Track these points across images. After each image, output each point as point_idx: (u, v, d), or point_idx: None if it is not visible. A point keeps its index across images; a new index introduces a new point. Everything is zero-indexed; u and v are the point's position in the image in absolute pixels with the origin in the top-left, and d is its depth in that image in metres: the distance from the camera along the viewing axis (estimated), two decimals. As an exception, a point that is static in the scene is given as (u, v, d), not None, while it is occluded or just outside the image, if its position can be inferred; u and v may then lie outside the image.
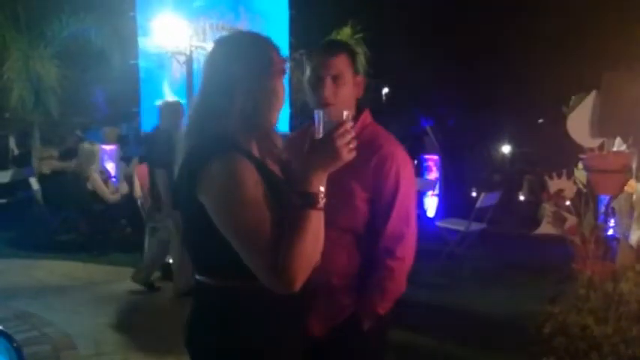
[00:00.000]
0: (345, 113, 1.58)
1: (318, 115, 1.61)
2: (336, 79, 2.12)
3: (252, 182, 1.54)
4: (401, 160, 2.17)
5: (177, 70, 8.00)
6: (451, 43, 12.14)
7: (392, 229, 2.13)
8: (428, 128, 10.22)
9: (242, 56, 1.66)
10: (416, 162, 10.47)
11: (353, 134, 1.57)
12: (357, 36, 9.42)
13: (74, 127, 11.06)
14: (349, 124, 1.57)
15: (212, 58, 1.71)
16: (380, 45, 11.26)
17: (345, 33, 9.42)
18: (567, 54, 9.95)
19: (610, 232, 4.71)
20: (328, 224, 2.03)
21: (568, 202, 4.51)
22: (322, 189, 1.57)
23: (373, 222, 2.16)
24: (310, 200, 1.54)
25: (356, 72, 2.19)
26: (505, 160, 13.06)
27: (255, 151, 1.70)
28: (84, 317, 5.14)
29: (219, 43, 1.74)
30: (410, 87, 13.15)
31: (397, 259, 2.13)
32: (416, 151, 10.52)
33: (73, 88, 9.82)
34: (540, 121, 14.59)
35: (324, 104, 2.10)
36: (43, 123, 10.02)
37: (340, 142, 1.55)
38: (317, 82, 2.13)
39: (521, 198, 9.83)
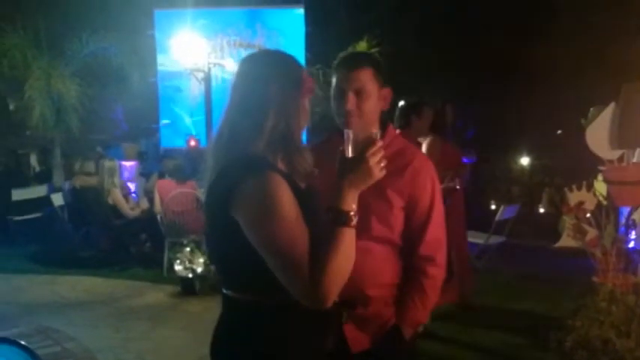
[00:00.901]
0: (374, 132, 1.62)
1: (348, 134, 1.63)
2: (359, 92, 2.11)
3: (288, 199, 1.56)
4: (433, 171, 2.21)
5: (196, 87, 8.14)
6: (470, 56, 12.12)
7: (431, 237, 2.15)
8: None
9: (275, 75, 1.67)
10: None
11: (383, 153, 1.60)
12: (373, 50, 9.44)
13: (94, 144, 11.21)
14: (380, 143, 1.60)
15: (242, 76, 1.73)
16: (397, 59, 11.30)
17: (361, 47, 9.47)
18: (587, 66, 9.89)
19: (631, 244, 4.66)
20: (366, 235, 2.07)
21: (588, 215, 4.48)
22: (354, 207, 1.59)
23: (409, 231, 2.17)
24: (344, 218, 1.57)
25: (381, 84, 2.16)
26: (524, 172, 12.96)
27: (283, 168, 1.70)
28: (105, 332, 5.17)
29: (249, 61, 1.75)
30: (428, 100, 13.09)
31: (438, 265, 2.16)
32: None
33: (93, 105, 9.98)
34: (559, 132, 14.48)
35: (346, 117, 2.11)
36: (64, 140, 10.18)
37: (372, 161, 1.59)
38: (340, 95, 2.14)
39: (541, 210, 9.74)
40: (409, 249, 2.17)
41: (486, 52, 11.76)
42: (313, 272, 1.51)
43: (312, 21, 10.36)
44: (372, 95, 2.12)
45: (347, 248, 1.57)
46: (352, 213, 1.58)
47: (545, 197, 10.26)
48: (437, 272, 2.16)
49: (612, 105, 4.12)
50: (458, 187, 5.02)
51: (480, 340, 4.94)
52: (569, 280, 4.99)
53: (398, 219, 2.15)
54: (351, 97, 2.11)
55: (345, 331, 2.13)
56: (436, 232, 2.17)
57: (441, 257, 2.18)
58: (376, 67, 2.15)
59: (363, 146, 1.59)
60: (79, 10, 9.88)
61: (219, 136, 1.71)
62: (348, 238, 1.57)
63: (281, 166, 1.70)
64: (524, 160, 13.49)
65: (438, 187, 2.21)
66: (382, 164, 1.60)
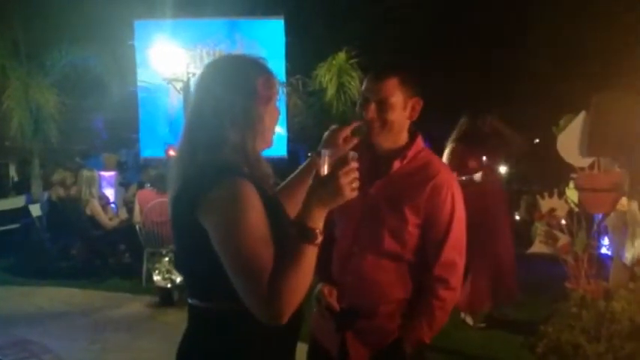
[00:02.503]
0: (351, 154, 1.58)
1: (324, 153, 1.63)
2: (381, 103, 2.11)
3: (256, 208, 1.55)
4: (456, 188, 2.16)
5: (175, 97, 8.13)
6: (446, 66, 12.24)
7: (446, 258, 2.12)
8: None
9: (226, 85, 1.65)
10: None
11: (357, 174, 1.57)
12: (351, 61, 9.53)
13: (74, 154, 11.14)
14: (354, 164, 1.57)
15: (198, 86, 1.72)
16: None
17: (340, 58, 9.54)
18: (561, 76, 10.06)
19: (603, 250, 4.74)
20: (377, 250, 2.11)
21: (563, 222, 4.55)
22: (321, 225, 1.56)
23: (425, 249, 2.15)
24: (309, 235, 1.53)
25: (409, 95, 2.15)
26: (502, 180, 13.07)
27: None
28: (82, 344, 5.13)
29: (206, 70, 1.74)
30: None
31: (451, 289, 2.13)
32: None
33: (72, 115, 9.93)
34: (536, 141, 14.64)
35: (369, 127, 2.12)
36: (43, 150, 10.11)
37: (344, 181, 1.54)
38: (363, 104, 2.16)
39: (517, 217, 9.82)
40: (424, 267, 2.14)
41: (463, 62, 11.90)
42: (271, 287, 1.49)
43: (292, 31, 10.40)
44: (396, 106, 2.12)
45: (307, 266, 1.54)
46: (318, 231, 1.54)
47: (523, 204, 10.37)
48: (448, 295, 2.12)
49: (583, 113, 4.20)
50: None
51: (452, 343, 4.99)
52: (544, 286, 5.06)
53: (412, 236, 2.12)
54: (373, 107, 2.12)
55: (347, 340, 2.16)
56: (452, 253, 2.13)
57: (455, 280, 2.14)
58: (403, 78, 2.14)
59: (336, 165, 1.57)
60: (59, 20, 9.83)
61: (182, 146, 1.70)
62: (310, 255, 1.54)
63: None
64: (502, 169, 13.60)
65: (460, 207, 2.16)
66: (355, 184, 1.57)
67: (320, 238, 1.54)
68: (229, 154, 1.63)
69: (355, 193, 1.58)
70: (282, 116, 10.01)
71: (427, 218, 2.11)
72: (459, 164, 5.18)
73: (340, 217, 2.24)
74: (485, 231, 5.26)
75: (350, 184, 1.55)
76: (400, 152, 2.18)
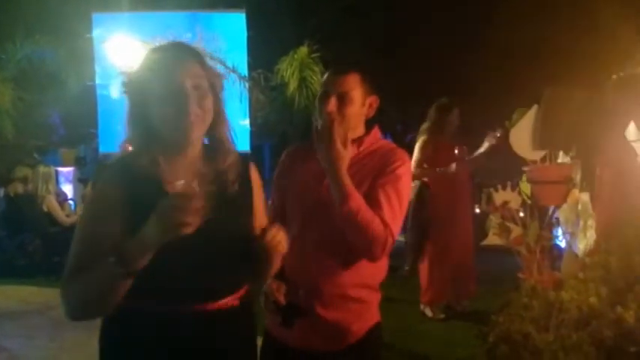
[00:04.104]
0: (193, 185, 1.48)
1: (174, 187, 1.52)
2: (342, 96, 2.16)
3: (96, 208, 1.65)
4: (408, 166, 2.24)
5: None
6: (408, 60, 12.34)
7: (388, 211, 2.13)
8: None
9: (142, 73, 1.69)
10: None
11: (188, 211, 1.43)
12: (313, 55, 9.51)
13: (31, 149, 10.91)
14: (198, 203, 1.44)
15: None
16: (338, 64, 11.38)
17: (302, 52, 9.51)
18: (520, 69, 10.23)
19: (560, 242, 4.84)
20: (332, 241, 2.13)
21: (522, 214, 4.64)
22: (142, 264, 1.49)
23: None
24: (123, 271, 1.49)
25: (368, 92, 2.22)
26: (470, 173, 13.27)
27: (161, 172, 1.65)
28: (40, 342, 5.07)
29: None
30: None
31: (388, 228, 2.10)
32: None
33: (28, 110, 9.71)
34: (498, 135, 14.90)
35: (327, 119, 2.13)
36: (-1, 146, 9.88)
37: (176, 218, 1.43)
38: (323, 97, 2.19)
39: (477, 210, 9.99)
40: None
41: (427, 54, 12.00)
42: (64, 285, 1.58)
43: (254, 25, 10.34)
44: (356, 100, 2.18)
45: (105, 286, 1.52)
46: (132, 271, 1.49)
47: (484, 198, 10.55)
48: (382, 227, 2.10)
49: (534, 107, 4.28)
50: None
51: (407, 335, 5.07)
52: (501, 278, 5.14)
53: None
54: (333, 100, 2.16)
55: (305, 334, 2.18)
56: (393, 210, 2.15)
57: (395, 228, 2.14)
58: (363, 73, 2.22)
59: (171, 200, 1.45)
60: (14, 13, 9.62)
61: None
62: (116, 285, 1.51)
63: (161, 168, 1.65)
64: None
65: (408, 181, 2.23)
66: (190, 220, 1.43)
67: (130, 281, 1.50)
68: (140, 142, 1.69)
69: (190, 230, 1.44)
70: (245, 111, 9.99)
71: (375, 186, 2.15)
72: (431, 156, 5.29)
73: (296, 210, 2.28)
74: (450, 223, 5.35)
75: (181, 223, 1.43)
76: (356, 140, 2.22)
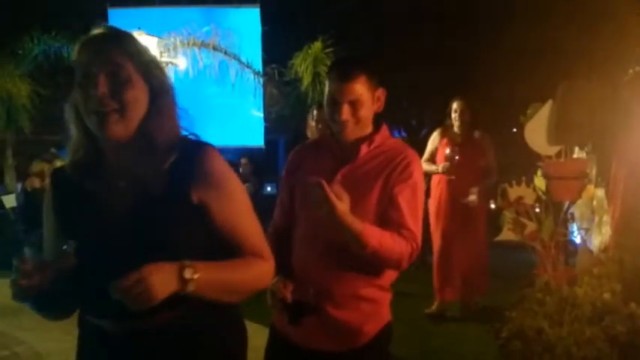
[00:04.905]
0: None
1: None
2: (353, 103, 2.12)
3: (44, 213, 1.62)
4: (418, 165, 2.21)
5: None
6: (427, 54, 12.29)
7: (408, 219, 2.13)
8: (400, 139, 10.34)
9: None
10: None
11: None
12: (327, 50, 9.51)
13: (49, 144, 11.02)
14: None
15: None
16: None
17: (316, 47, 9.52)
18: (535, 64, 10.16)
19: (576, 238, 4.81)
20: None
21: (538, 210, 4.62)
22: None
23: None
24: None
25: (375, 87, 2.17)
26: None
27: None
28: (56, 335, 5.10)
29: None
30: (388, 99, 13.28)
31: (414, 237, 2.12)
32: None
33: (45, 105, 9.80)
34: (514, 130, 14.78)
35: (342, 127, 2.14)
36: (16, 141, 9.99)
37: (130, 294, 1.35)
38: (334, 106, 2.14)
39: (492, 206, 9.96)
40: None
41: (443, 50, 11.94)
42: None
43: (269, 20, 10.37)
44: (367, 102, 2.14)
45: None
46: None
47: (500, 193, 10.47)
48: (411, 240, 2.11)
49: (549, 102, 4.25)
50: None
51: (425, 332, 5.07)
52: (515, 273, 5.14)
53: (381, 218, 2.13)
54: (346, 109, 2.11)
55: (312, 333, 2.16)
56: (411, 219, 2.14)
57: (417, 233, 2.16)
58: (369, 71, 2.15)
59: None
60: (30, 8, 9.72)
61: None
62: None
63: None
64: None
65: (420, 181, 2.20)
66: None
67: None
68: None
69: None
70: (259, 106, 10.02)
71: (387, 191, 2.13)
72: (438, 151, 5.30)
73: (302, 207, 2.25)
74: (461, 220, 5.33)
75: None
76: (367, 138, 2.20)
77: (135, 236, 1.48)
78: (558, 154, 4.32)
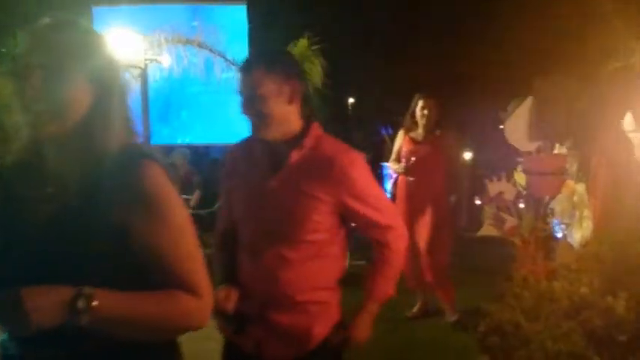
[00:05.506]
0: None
1: None
2: (253, 97, 2.00)
3: None
4: (358, 163, 2.11)
5: (132, 84, 8.00)
6: (412, 52, 12.34)
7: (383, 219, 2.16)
8: (386, 137, 10.36)
9: None
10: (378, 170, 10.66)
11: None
12: (314, 47, 9.49)
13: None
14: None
15: None
16: (341, 56, 11.38)
17: (302, 44, 9.50)
18: (515, 60, 10.23)
19: (557, 232, 4.84)
20: (288, 243, 2.05)
21: (522, 205, 4.63)
22: None
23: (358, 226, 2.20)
24: None
25: (283, 79, 2.01)
26: (466, 165, 13.27)
27: None
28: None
29: None
30: (373, 96, 13.34)
31: (400, 234, 2.22)
32: (379, 160, 10.71)
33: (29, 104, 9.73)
34: (501, 127, 14.88)
35: (252, 123, 2.05)
36: (0, 140, 9.93)
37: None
38: (241, 100, 2.04)
39: (477, 202, 10.01)
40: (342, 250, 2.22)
41: (427, 48, 12.00)
42: None
43: (255, 17, 10.32)
44: (270, 96, 1.99)
45: None
46: None
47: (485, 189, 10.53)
48: (399, 239, 2.21)
49: (529, 98, 4.27)
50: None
51: (406, 325, 5.09)
52: (494, 268, 5.15)
53: (323, 221, 2.07)
54: (247, 102, 2.02)
55: (262, 340, 2.10)
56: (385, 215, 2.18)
57: (400, 226, 2.25)
58: (271, 64, 2.02)
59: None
60: (13, 6, 9.63)
61: None
62: None
63: None
64: (467, 155, 13.85)
65: (367, 175, 2.14)
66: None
67: None
68: None
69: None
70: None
71: (338, 203, 2.05)
72: (401, 149, 5.24)
73: (242, 216, 2.18)
74: (422, 219, 5.17)
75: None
76: (296, 142, 2.07)
77: (43, 252, 1.32)
78: (538, 150, 4.35)
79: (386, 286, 2.20)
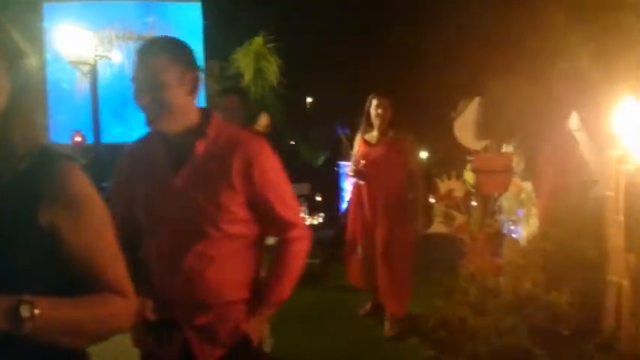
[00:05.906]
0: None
1: None
2: (149, 84, 1.89)
3: None
4: (265, 154, 2.04)
5: (82, 81, 7.85)
6: (364, 51, 12.43)
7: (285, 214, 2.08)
8: (342, 136, 10.41)
9: None
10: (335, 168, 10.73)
11: None
12: (269, 45, 9.49)
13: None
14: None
15: None
16: (299, 56, 11.37)
17: (257, 42, 9.49)
18: (465, 60, 10.38)
19: (503, 229, 4.94)
20: (202, 241, 1.96)
21: (474, 203, 4.70)
22: None
23: (260, 221, 2.07)
24: None
25: (184, 70, 1.92)
26: (422, 165, 13.45)
27: None
28: None
29: None
30: (332, 96, 13.39)
31: (302, 230, 2.14)
32: (336, 158, 10.78)
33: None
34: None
35: (149, 114, 1.92)
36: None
37: None
38: (136, 87, 1.92)
39: (432, 200, 10.17)
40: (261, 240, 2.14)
41: (380, 47, 12.10)
42: None
43: (210, 15, 10.26)
44: (173, 84, 1.90)
45: None
46: None
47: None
48: (300, 236, 2.13)
49: (477, 98, 4.35)
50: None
51: (356, 324, 5.12)
52: (445, 265, 5.22)
53: (236, 214, 2.00)
54: (145, 90, 1.90)
55: (191, 343, 2.02)
56: (286, 210, 2.10)
57: (302, 223, 2.20)
58: (175, 51, 1.94)
59: None
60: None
61: None
62: None
63: None
64: (423, 154, 14.04)
65: (273, 166, 2.07)
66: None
67: None
68: None
69: None
70: (202, 101, 9.92)
71: (249, 192, 1.99)
72: (358, 151, 5.19)
73: (151, 224, 2.06)
74: (375, 221, 5.12)
75: None
76: (199, 132, 1.99)
77: None
78: (485, 149, 4.44)
79: (282, 291, 2.12)
